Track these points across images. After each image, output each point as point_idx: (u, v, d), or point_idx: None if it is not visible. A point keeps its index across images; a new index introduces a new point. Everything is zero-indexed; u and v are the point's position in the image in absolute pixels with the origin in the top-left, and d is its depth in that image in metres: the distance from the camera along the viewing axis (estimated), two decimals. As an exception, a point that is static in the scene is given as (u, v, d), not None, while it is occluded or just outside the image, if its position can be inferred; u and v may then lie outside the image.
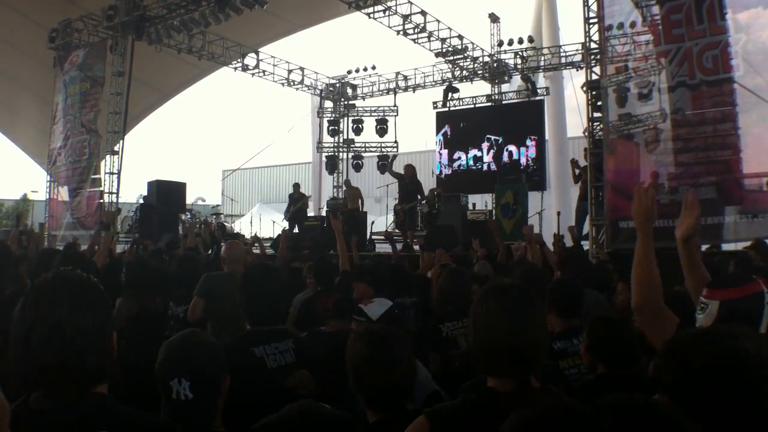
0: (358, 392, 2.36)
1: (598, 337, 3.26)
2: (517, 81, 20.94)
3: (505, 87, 21.15)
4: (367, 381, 2.33)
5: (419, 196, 15.43)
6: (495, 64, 20.26)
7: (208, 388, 2.14)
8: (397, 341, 2.41)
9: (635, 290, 2.58)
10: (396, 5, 16.10)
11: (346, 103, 23.67)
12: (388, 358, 2.33)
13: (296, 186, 18.80)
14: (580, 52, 17.34)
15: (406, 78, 21.99)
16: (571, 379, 3.58)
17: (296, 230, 17.50)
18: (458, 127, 20.15)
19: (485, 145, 19.28)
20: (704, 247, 8.77)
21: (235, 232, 18.59)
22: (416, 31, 17.24)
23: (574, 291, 4.14)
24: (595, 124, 12.26)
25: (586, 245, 11.39)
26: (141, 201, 18.46)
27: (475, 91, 21.24)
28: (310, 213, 20.99)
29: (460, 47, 18.84)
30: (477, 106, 20.80)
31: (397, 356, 2.36)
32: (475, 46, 19.62)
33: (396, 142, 22.48)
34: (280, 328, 3.48)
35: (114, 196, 16.50)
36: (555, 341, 3.79)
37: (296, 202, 18.03)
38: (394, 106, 22.48)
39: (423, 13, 16.86)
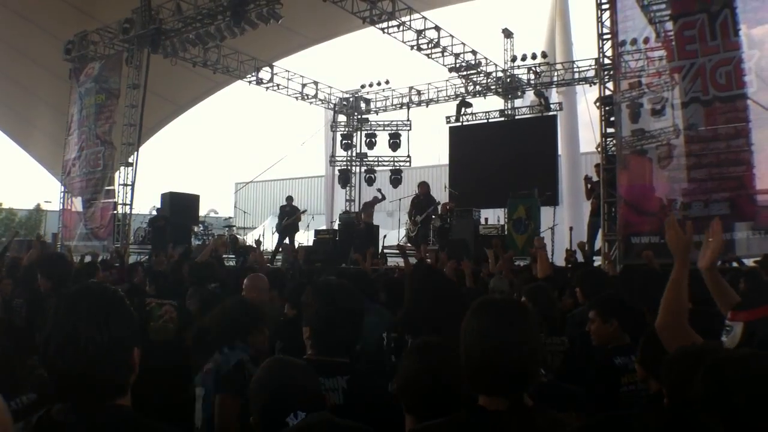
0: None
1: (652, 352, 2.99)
2: (530, 96, 20.95)
3: (518, 102, 21.15)
4: None
5: (432, 207, 15.56)
6: (508, 80, 20.30)
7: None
8: None
9: (663, 312, 2.65)
10: (410, 21, 16.15)
11: (359, 117, 23.77)
12: None
13: (289, 199, 18.72)
14: (593, 67, 17.35)
15: (419, 93, 22.07)
16: (626, 396, 3.54)
17: (298, 243, 17.45)
18: (471, 144, 20.14)
19: (498, 163, 19.20)
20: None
21: (247, 244, 18.61)
22: (430, 46, 17.28)
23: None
24: (608, 139, 12.24)
25: (598, 261, 11.35)
26: (154, 212, 18.53)
27: (488, 106, 21.28)
28: (322, 226, 20.98)
29: (473, 62, 18.85)
30: (490, 121, 20.80)
31: None
32: (488, 61, 19.65)
33: (409, 156, 22.62)
34: (336, 360, 2.77)
35: (127, 207, 16.61)
36: (615, 356, 3.71)
37: (289, 215, 17.82)
38: (408, 120, 22.59)
39: (437, 28, 16.92)
